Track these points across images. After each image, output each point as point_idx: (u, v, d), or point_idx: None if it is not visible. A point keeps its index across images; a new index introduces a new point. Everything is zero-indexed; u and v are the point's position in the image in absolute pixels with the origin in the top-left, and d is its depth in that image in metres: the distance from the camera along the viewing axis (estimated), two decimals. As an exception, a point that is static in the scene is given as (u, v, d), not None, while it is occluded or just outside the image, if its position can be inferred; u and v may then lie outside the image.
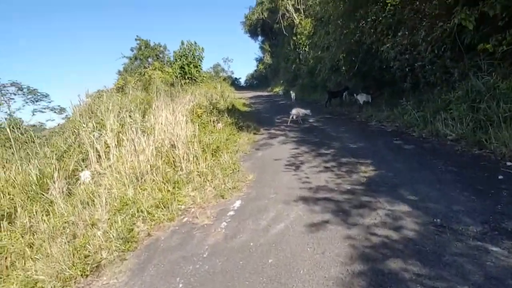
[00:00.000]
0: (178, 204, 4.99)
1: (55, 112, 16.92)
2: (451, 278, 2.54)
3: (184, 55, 19.39)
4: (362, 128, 9.48)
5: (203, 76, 19.87)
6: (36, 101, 17.11)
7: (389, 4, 10.05)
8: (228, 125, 10.95)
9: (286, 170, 6.04)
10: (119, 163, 6.10)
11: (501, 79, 6.64)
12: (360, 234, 3.38)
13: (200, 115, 10.70)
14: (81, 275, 3.43)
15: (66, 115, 14.13)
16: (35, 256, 3.87)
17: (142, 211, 4.64)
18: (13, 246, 4.12)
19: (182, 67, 19.25)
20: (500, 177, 4.40)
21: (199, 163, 6.27)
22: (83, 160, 6.83)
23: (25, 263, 3.84)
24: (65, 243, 3.99)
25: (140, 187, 5.34)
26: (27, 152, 7.03)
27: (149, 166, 5.70)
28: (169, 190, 5.34)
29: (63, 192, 5.31)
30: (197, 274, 3.16)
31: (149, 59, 30.38)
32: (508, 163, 4.85)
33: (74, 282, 3.39)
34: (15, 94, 16.10)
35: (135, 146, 6.23)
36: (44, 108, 17.00)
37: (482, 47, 7.02)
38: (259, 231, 3.83)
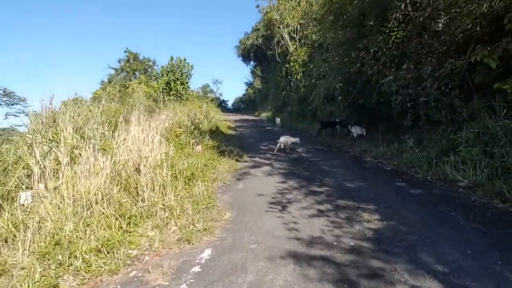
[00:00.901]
0: (129, 248, 3.82)
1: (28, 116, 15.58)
2: None
3: (171, 71, 18.47)
4: (357, 163, 8.56)
5: (189, 94, 18.91)
6: (12, 104, 15.84)
7: (393, 37, 9.42)
8: (208, 148, 9.89)
9: (270, 210, 4.95)
10: (68, 184, 4.90)
11: (521, 123, 5.88)
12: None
13: (178, 135, 9.62)
14: None
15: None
16: None
17: (76, 257, 3.45)
18: None
19: (168, 83, 18.28)
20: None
21: (166, 193, 5.13)
22: (28, 177, 5.61)
23: None
24: None
25: (84, 220, 4.14)
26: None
27: (100, 194, 4.52)
28: (121, 227, 4.17)
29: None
30: None
31: (136, 73, 29.39)
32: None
33: None
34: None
35: (89, 167, 5.06)
36: (19, 112, 15.66)
37: (499, 87, 6.31)
38: (230, 307, 2.71)
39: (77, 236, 3.84)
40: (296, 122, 22.93)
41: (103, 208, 4.28)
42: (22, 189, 5.22)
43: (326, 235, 3.94)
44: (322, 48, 12.44)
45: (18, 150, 6.70)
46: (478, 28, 7.29)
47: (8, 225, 3.93)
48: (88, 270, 3.32)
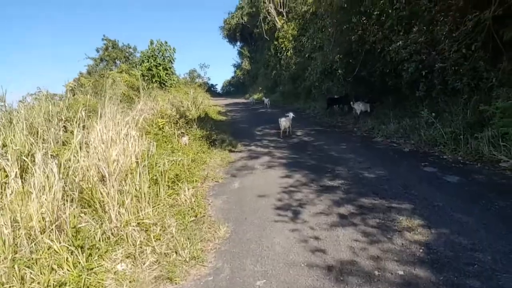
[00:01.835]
0: (87, 297, 2.70)
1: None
2: None
3: (152, 56, 16.99)
4: (368, 145, 7.46)
5: (174, 80, 17.51)
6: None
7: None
8: (197, 139, 8.70)
9: (278, 220, 3.84)
10: (13, 205, 3.72)
11: None
12: None
13: (161, 126, 8.40)
14: None
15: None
16: None
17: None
18: None
19: (149, 69, 16.83)
20: None
21: (141, 207, 3.98)
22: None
23: None
24: None
25: (25, 259, 3.00)
26: None
27: (48, 218, 3.35)
28: (78, 263, 3.03)
29: None
30: None
31: (117, 61, 27.68)
32: None
33: None
34: None
35: (37, 180, 3.87)
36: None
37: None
38: None
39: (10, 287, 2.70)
40: (289, 102, 21.71)
41: (51, 240, 3.13)
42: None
43: (360, 257, 2.84)
44: (316, 16, 11.09)
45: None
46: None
47: None
48: None
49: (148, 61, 16.85)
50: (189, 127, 9.66)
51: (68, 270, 2.95)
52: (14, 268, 2.84)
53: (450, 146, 6.00)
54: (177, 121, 8.95)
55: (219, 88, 61.23)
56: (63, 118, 6.77)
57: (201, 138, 8.87)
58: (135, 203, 3.94)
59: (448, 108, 7.34)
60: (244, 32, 44.19)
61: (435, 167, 5.14)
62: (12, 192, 3.92)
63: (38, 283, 2.75)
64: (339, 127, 10.60)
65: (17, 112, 6.56)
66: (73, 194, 3.74)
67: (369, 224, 3.43)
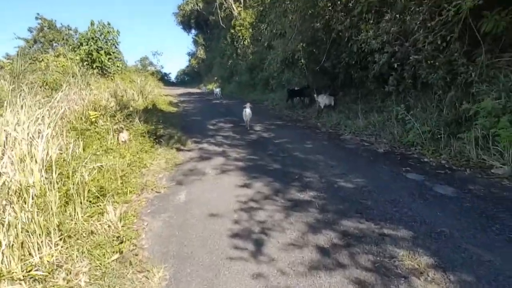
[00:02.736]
0: None
1: None
2: None
3: (93, 38, 14.94)
4: (337, 144, 6.63)
5: (118, 67, 15.61)
6: None
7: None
8: (139, 135, 7.36)
9: (235, 256, 2.77)
10: None
11: None
12: None
13: (94, 121, 6.95)
14: None
15: None
16: None
17: None
18: None
19: (89, 53, 14.81)
20: None
21: (34, 246, 2.71)
22: None
23: None
24: None
25: None
26: None
27: None
28: None
29: None
30: None
31: (55, 44, 24.72)
32: None
33: None
34: None
35: None
36: None
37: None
38: None
39: None
40: (246, 92, 20.69)
41: None
42: None
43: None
44: (277, 0, 10.07)
45: None
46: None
47: None
48: None
49: (87, 44, 14.79)
50: (130, 121, 8.26)
51: None
52: None
53: (429, 147, 5.32)
54: (114, 113, 7.49)
55: (173, 77, 58.78)
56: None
57: (144, 134, 7.53)
58: (24, 239, 2.66)
59: (420, 104, 6.75)
60: (199, 19, 42.21)
61: (420, 174, 4.38)
62: None
63: None
64: (301, 122, 9.75)
65: None
66: None
67: (362, 265, 2.49)
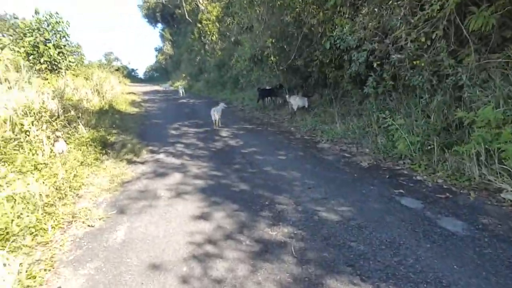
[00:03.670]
0: None
1: None
2: None
3: (38, 29, 13.27)
4: (313, 154, 5.80)
5: (70, 61, 14.03)
6: None
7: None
8: (84, 144, 6.23)
9: None
10: None
11: None
12: None
13: (25, 129, 5.74)
14: None
15: None
16: None
17: None
18: None
19: (35, 46, 13.16)
20: None
21: None
22: None
23: None
24: None
25: None
26: None
27: None
28: None
29: None
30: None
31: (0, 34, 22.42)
32: None
33: None
34: None
35: None
36: None
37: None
38: None
39: None
40: (214, 91, 19.66)
41: None
42: None
43: None
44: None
45: None
46: None
47: None
48: None
49: (31, 35, 13.12)
50: (74, 127, 7.08)
51: None
52: None
53: (420, 161, 4.61)
54: (49, 119, 6.26)
55: (141, 73, 56.59)
56: None
57: (91, 142, 6.40)
58: None
59: (403, 109, 6.09)
60: (165, 13, 40.49)
61: (417, 199, 3.62)
62: None
63: None
64: (273, 125, 8.89)
65: None
66: None
67: None
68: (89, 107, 10.38)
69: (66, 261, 2.85)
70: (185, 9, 27.94)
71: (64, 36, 13.77)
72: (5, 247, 2.74)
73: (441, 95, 5.34)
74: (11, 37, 18.23)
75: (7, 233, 2.96)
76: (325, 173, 4.70)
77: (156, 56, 51.42)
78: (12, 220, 3.14)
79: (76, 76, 14.51)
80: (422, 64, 5.55)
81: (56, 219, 3.49)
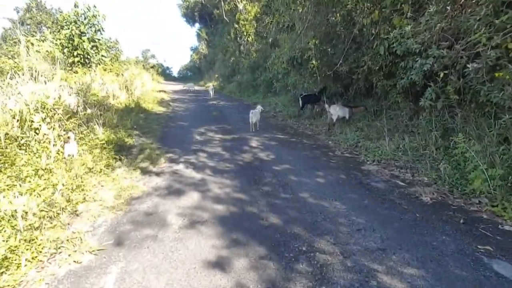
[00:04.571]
0: None
1: None
2: None
3: (75, 22, 13.13)
4: (359, 179, 4.78)
5: (103, 56, 13.78)
6: None
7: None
8: (98, 146, 5.62)
9: None
10: None
11: None
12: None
13: (34, 127, 5.18)
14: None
15: None
16: None
17: None
18: None
19: (70, 39, 13.01)
20: None
21: None
22: None
23: None
24: None
25: None
26: None
27: None
28: None
29: None
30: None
31: (43, 27, 23.00)
32: None
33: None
34: None
35: None
36: None
37: None
38: None
39: None
40: (246, 94, 18.94)
41: None
42: None
43: None
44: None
45: None
46: None
47: None
48: None
49: (69, 28, 12.97)
50: (90, 126, 6.50)
51: None
52: None
53: (505, 202, 3.52)
54: (62, 117, 5.67)
55: (175, 72, 57.41)
56: None
57: (105, 145, 5.78)
58: None
59: (470, 130, 4.98)
60: (203, 12, 40.49)
61: (514, 267, 2.59)
62: None
63: None
64: (309, 137, 7.91)
65: None
66: None
67: None
68: (115, 104, 9.91)
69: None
70: (223, 8, 27.50)
71: (99, 30, 13.54)
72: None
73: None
74: (50, 30, 18.44)
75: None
76: (377, 209, 3.70)
77: (191, 55, 51.78)
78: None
79: (107, 71, 14.23)
80: (507, 77, 4.42)
81: (36, 249, 2.78)
